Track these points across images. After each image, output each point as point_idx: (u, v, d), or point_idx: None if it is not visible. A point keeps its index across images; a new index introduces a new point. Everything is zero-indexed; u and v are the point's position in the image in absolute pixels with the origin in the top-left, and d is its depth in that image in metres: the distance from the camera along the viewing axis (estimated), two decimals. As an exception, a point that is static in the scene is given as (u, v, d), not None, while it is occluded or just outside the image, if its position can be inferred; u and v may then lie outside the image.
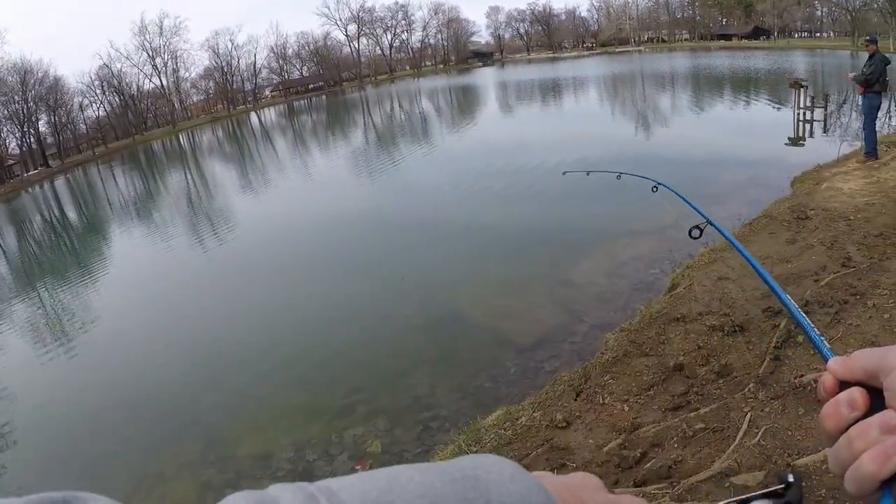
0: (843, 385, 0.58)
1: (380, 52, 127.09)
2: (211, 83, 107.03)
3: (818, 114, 18.50)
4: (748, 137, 18.85)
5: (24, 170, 69.48)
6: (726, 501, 0.62)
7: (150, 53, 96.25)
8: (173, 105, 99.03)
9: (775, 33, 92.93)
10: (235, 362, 9.40)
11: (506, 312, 9.21)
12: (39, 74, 76.83)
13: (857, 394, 0.55)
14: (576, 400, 5.62)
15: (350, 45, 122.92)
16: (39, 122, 77.17)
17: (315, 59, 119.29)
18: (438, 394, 7.33)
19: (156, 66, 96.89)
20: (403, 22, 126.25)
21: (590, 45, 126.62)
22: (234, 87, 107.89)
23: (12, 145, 73.15)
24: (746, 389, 4.78)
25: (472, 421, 5.89)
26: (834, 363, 0.60)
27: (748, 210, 10.46)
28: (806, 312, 4.86)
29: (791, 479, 0.64)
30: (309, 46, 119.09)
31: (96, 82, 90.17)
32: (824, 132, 17.70)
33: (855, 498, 0.52)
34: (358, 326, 9.72)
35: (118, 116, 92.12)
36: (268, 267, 14.11)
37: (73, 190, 47.92)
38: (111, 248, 21.72)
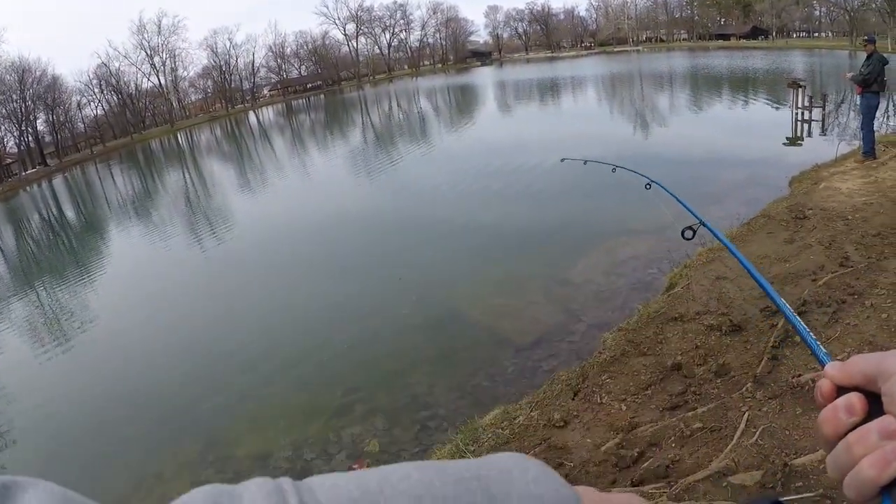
0: (841, 390, 0.58)
1: (378, 51, 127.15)
2: (209, 82, 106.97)
3: (816, 114, 18.51)
4: (746, 137, 18.86)
5: (22, 168, 69.31)
6: None
7: (149, 52, 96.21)
8: (171, 104, 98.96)
9: (773, 33, 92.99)
10: (234, 362, 9.39)
11: (504, 311, 9.21)
12: (37, 73, 76.76)
13: (855, 399, 0.55)
14: (573, 399, 5.62)
15: (348, 45, 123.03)
16: (37, 121, 77.11)
17: (313, 59, 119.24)
18: (436, 393, 7.33)
19: (154, 65, 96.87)
20: (402, 21, 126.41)
21: (588, 44, 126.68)
22: (233, 86, 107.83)
23: (10, 144, 73.05)
24: (744, 389, 4.78)
25: (469, 420, 5.89)
26: (831, 368, 0.60)
27: (746, 209, 10.47)
28: (804, 312, 4.90)
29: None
30: (307, 46, 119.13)
31: (94, 81, 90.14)
32: (822, 132, 17.71)
33: (854, 503, 0.52)
34: (356, 326, 9.72)
35: (116, 115, 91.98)
36: (266, 266, 14.11)
37: (71, 189, 47.86)
38: (109, 247, 21.71)
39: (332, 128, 50.44)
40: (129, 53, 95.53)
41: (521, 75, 76.75)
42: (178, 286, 14.34)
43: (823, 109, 18.84)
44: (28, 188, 56.11)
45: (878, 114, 12.01)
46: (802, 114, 18.38)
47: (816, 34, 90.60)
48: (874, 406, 0.54)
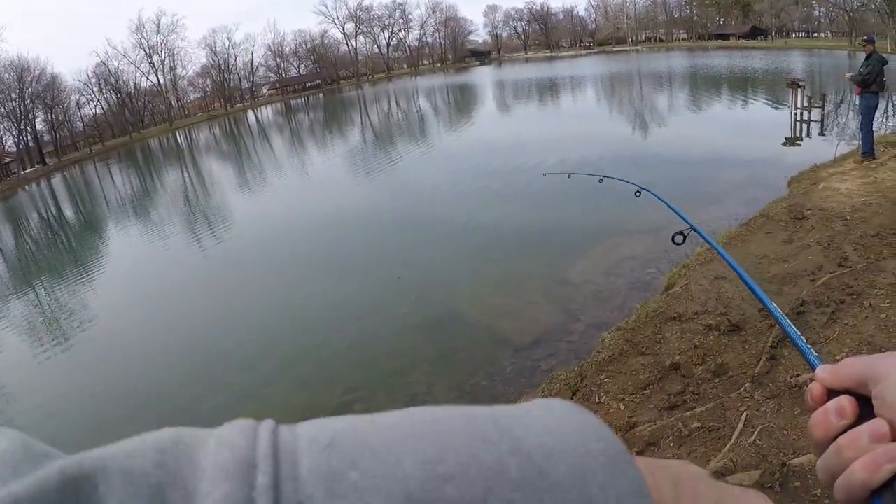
0: (832, 393, 0.58)
1: (377, 50, 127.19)
2: (208, 81, 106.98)
3: (815, 114, 18.51)
4: (745, 137, 18.87)
5: (21, 167, 69.26)
6: None
7: (148, 51, 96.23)
8: (170, 103, 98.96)
9: (773, 33, 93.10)
10: (233, 361, 9.39)
11: (503, 311, 9.21)
12: (36, 72, 76.84)
13: (845, 402, 0.55)
14: (572, 399, 5.62)
15: (347, 44, 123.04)
16: (36, 120, 77.17)
17: (312, 58, 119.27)
18: (435, 392, 7.33)
19: (153, 64, 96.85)
20: (401, 20, 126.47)
21: (587, 44, 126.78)
22: (232, 85, 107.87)
23: (9, 143, 73.02)
24: (742, 389, 4.79)
25: (468, 420, 5.88)
26: (822, 371, 0.60)
27: (745, 209, 10.49)
28: (802, 312, 4.90)
29: None
30: (306, 45, 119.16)
31: (93, 80, 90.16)
32: (821, 132, 17.71)
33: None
34: (355, 325, 9.71)
35: (115, 114, 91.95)
36: (265, 265, 14.10)
37: (70, 188, 47.82)
38: (108, 246, 21.69)
39: (330, 127, 50.40)
40: (128, 52, 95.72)
41: (519, 75, 76.74)
42: (177, 285, 14.33)
43: (822, 110, 18.83)
44: (27, 187, 56.06)
45: (877, 114, 12.01)
46: (801, 114, 18.37)
47: (816, 34, 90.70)
48: (865, 409, 0.54)
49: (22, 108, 73.67)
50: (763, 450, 3.91)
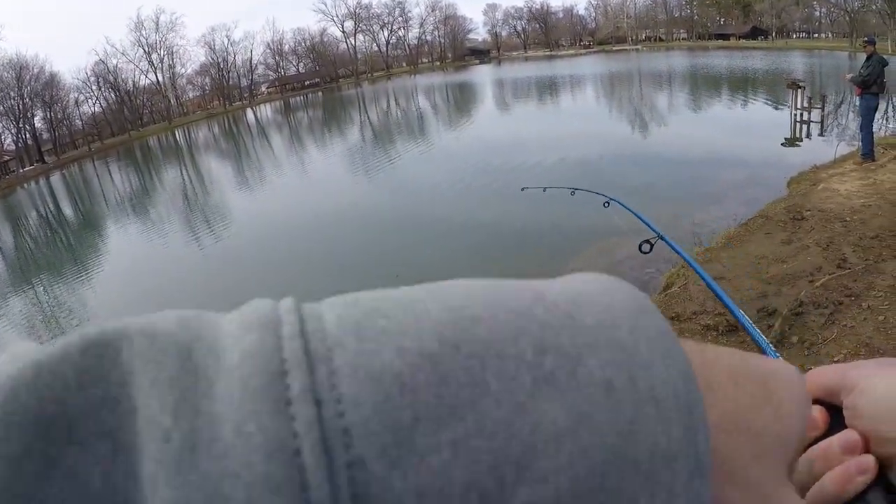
0: None
1: (376, 48, 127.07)
2: (207, 79, 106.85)
3: (815, 115, 18.49)
4: (745, 137, 18.86)
5: (20, 166, 69.21)
6: None
7: (146, 49, 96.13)
8: (169, 101, 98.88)
9: (773, 34, 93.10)
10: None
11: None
12: (35, 70, 76.80)
13: (815, 412, 0.53)
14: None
15: (346, 42, 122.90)
16: (35, 118, 77.08)
17: (311, 56, 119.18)
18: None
19: (152, 63, 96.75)
20: (400, 19, 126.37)
21: (587, 43, 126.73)
22: (230, 83, 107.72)
23: (8, 141, 72.91)
24: (741, 390, 4.77)
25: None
26: None
27: (744, 210, 10.47)
28: (800, 313, 4.88)
29: None
30: (305, 43, 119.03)
31: (92, 78, 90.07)
32: (821, 133, 17.70)
33: None
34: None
35: (114, 112, 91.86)
36: (263, 264, 14.08)
37: (69, 186, 47.77)
38: (107, 244, 21.67)
39: (329, 125, 50.38)
40: (127, 50, 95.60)
41: (519, 74, 76.72)
42: (175, 283, 14.32)
43: (822, 110, 18.82)
44: (26, 185, 55.97)
45: (877, 115, 12.00)
46: (801, 115, 18.36)
47: (816, 35, 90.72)
48: (835, 419, 0.52)
49: (20, 106, 73.63)
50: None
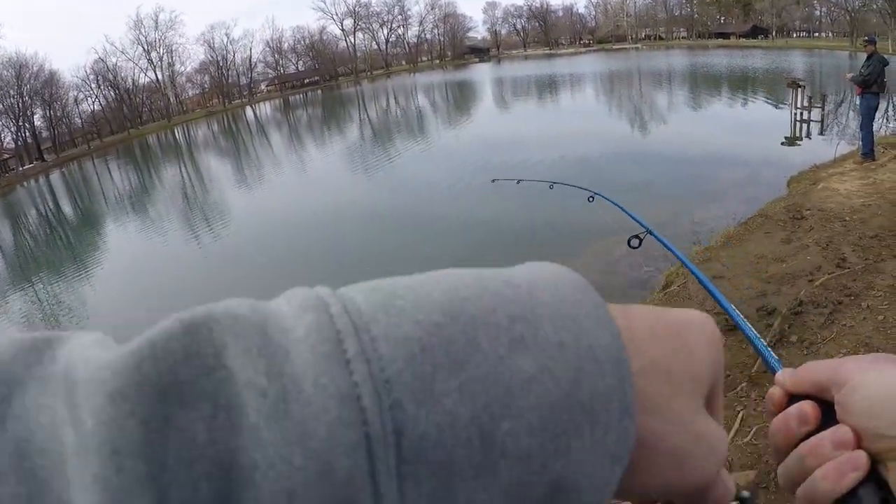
0: (793, 398, 0.56)
1: (376, 47, 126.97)
2: (206, 77, 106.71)
3: (815, 114, 18.48)
4: (744, 136, 18.85)
5: (19, 164, 69.18)
6: None
7: (146, 47, 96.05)
8: (168, 99, 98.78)
9: (773, 33, 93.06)
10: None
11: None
12: (34, 69, 76.74)
13: (807, 408, 0.53)
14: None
15: (346, 40, 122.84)
16: (34, 117, 77.01)
17: (311, 54, 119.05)
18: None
19: (151, 61, 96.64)
20: (400, 17, 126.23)
21: (587, 42, 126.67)
22: (230, 81, 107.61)
23: (7, 139, 72.89)
24: (739, 388, 4.78)
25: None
26: (783, 375, 0.58)
27: (744, 209, 10.46)
28: (799, 313, 4.88)
29: (746, 495, 0.63)
30: (305, 41, 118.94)
31: (91, 76, 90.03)
32: (821, 132, 17.70)
33: None
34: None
35: (113, 111, 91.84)
36: (262, 262, 14.07)
37: (69, 184, 47.78)
38: (106, 242, 21.67)
39: (329, 124, 50.37)
40: (126, 49, 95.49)
41: (518, 72, 76.71)
42: (174, 281, 14.29)
43: (823, 110, 18.81)
44: (25, 183, 55.93)
45: (877, 115, 11.99)
46: (801, 114, 18.34)
47: (817, 34, 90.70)
48: (827, 415, 0.52)
49: (20, 104, 73.58)
50: (759, 450, 3.90)
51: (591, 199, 4.48)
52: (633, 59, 75.22)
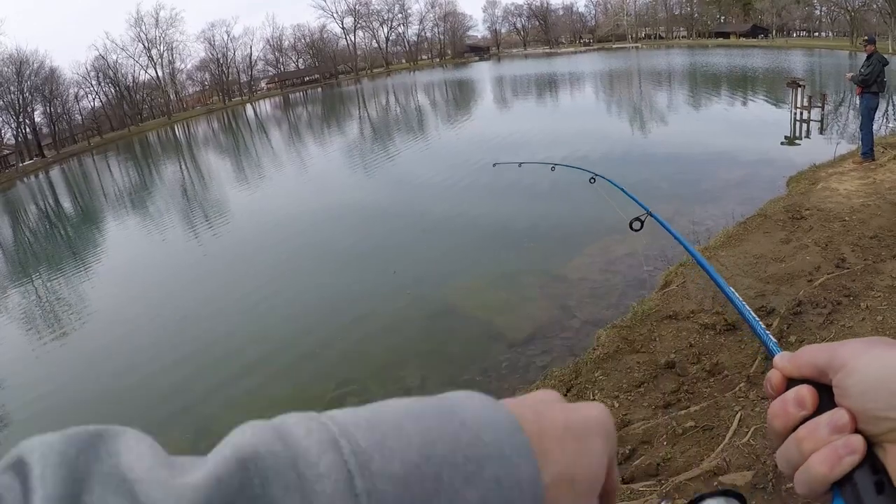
0: (791, 382, 0.56)
1: (376, 45, 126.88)
2: (206, 75, 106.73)
3: (815, 114, 18.49)
4: (744, 136, 18.82)
5: (20, 160, 69.16)
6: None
7: (146, 45, 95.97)
8: (168, 96, 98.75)
9: (773, 32, 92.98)
10: (227, 353, 9.37)
11: (498, 307, 9.19)
12: (35, 65, 76.75)
13: (805, 391, 0.53)
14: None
15: (346, 38, 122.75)
16: (35, 113, 77.10)
17: (311, 52, 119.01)
18: (429, 387, 7.30)
19: (151, 58, 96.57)
20: (400, 15, 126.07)
21: (587, 41, 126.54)
22: (230, 78, 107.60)
23: (7, 135, 72.85)
24: (737, 388, 4.77)
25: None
26: (780, 359, 0.58)
27: (743, 208, 10.46)
28: (799, 312, 4.85)
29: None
30: (305, 39, 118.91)
31: (92, 73, 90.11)
32: (821, 132, 17.70)
33: (806, 499, 0.50)
34: (350, 318, 9.69)
35: (114, 107, 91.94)
36: (260, 258, 14.06)
37: (69, 180, 47.78)
38: (105, 238, 21.64)
39: (329, 121, 50.34)
40: (127, 46, 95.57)
41: (518, 71, 76.63)
42: (172, 277, 14.30)
43: (822, 109, 18.82)
44: (25, 179, 55.93)
45: (877, 115, 11.99)
46: (801, 113, 18.34)
47: (817, 34, 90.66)
48: (825, 398, 0.52)
49: (20, 100, 73.55)
50: (757, 450, 3.88)
51: (592, 180, 4.47)
52: (632, 59, 75.13)
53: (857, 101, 11.98)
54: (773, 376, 0.58)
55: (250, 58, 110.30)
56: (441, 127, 34.77)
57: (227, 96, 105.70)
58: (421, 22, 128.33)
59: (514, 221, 13.44)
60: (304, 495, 0.32)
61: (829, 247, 7.18)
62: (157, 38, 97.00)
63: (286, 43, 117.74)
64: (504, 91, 53.88)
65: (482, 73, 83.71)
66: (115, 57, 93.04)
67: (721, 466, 3.82)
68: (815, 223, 8.24)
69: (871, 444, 0.49)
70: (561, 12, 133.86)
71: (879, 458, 0.48)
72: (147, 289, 13.82)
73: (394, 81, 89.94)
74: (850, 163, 11.66)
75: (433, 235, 13.62)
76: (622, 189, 3.61)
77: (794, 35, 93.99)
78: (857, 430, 0.49)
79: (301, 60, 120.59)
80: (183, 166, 39.43)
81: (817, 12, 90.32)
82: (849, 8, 68.12)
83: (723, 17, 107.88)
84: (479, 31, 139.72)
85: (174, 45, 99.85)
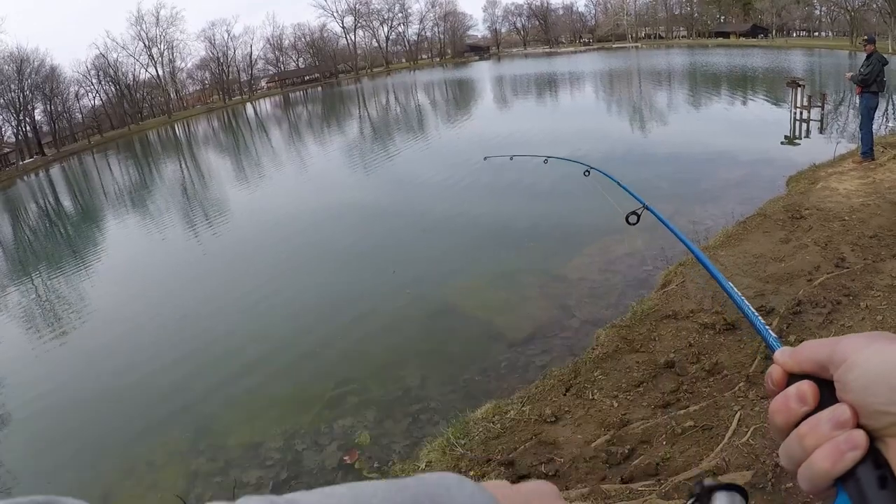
0: (792, 378, 0.56)
1: (376, 44, 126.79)
2: (207, 74, 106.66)
3: (815, 113, 18.49)
4: (744, 136, 18.83)
5: (20, 158, 69.10)
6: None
7: (147, 43, 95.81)
8: (169, 95, 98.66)
9: (773, 32, 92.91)
10: (227, 352, 9.38)
11: (498, 306, 9.20)
12: (35, 63, 76.59)
13: (806, 387, 0.53)
14: (565, 395, 5.61)
15: (346, 38, 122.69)
16: (35, 111, 76.94)
17: (311, 51, 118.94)
18: (428, 386, 7.32)
19: (152, 56, 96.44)
20: (400, 14, 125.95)
21: (587, 40, 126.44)
22: (230, 77, 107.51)
23: (8, 133, 72.78)
24: (737, 388, 4.77)
25: (461, 414, 5.88)
26: (781, 354, 0.58)
27: (743, 208, 10.46)
28: (798, 312, 4.84)
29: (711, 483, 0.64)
30: (305, 38, 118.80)
31: (92, 72, 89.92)
32: (821, 132, 17.70)
33: (809, 495, 0.52)
34: (350, 318, 9.70)
35: (114, 106, 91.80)
36: (260, 257, 14.07)
37: (69, 178, 47.75)
38: (105, 236, 21.64)
39: (328, 120, 50.33)
40: (127, 44, 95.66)
41: (518, 70, 76.59)
42: (172, 276, 14.30)
43: (822, 109, 18.82)
44: (25, 177, 55.89)
45: (877, 114, 11.99)
46: (801, 113, 18.35)
47: (816, 33, 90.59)
48: (826, 394, 0.52)
49: (21, 98, 73.48)
50: (756, 450, 3.88)
51: (586, 173, 4.45)
52: (632, 58, 75.08)
53: (857, 101, 11.98)
54: (774, 371, 0.57)
55: (250, 57, 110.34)
56: (441, 126, 34.77)
57: (227, 95, 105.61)
58: (421, 21, 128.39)
59: (514, 221, 13.44)
60: None
61: (828, 246, 7.18)
62: (158, 36, 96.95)
63: (286, 42, 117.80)
64: (504, 90, 53.88)
65: (482, 72, 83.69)
66: (115, 55, 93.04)
67: (720, 466, 3.82)
68: (814, 223, 8.24)
69: (874, 439, 0.48)
70: (561, 12, 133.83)
71: (882, 453, 0.48)
72: (147, 287, 13.82)
73: (394, 81, 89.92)
74: (849, 162, 11.67)
75: (433, 235, 13.64)
76: (617, 182, 3.60)
77: (794, 35, 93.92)
78: (858, 425, 0.49)
79: (301, 59, 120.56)
80: (183, 165, 39.42)
81: (817, 12, 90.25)
82: (849, 8, 68.07)
83: (723, 17, 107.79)
84: (479, 31, 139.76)
85: (174, 44, 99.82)
